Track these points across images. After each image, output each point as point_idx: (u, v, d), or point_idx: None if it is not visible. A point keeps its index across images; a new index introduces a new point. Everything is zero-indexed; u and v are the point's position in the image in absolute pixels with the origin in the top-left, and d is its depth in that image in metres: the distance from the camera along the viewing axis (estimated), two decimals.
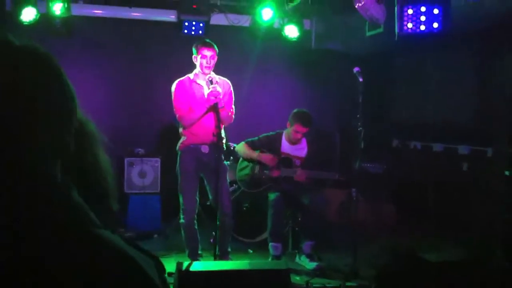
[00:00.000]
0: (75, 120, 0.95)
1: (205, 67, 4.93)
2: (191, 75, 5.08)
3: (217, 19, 7.01)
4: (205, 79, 5.00)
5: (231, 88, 5.18)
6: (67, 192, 0.91)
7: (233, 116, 5.15)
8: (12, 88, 0.85)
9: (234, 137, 6.18)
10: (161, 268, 0.96)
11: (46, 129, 0.88)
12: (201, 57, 4.91)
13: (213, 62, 4.95)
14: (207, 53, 4.91)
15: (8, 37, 0.91)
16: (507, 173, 5.42)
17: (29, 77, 0.88)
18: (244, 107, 6.12)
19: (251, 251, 5.94)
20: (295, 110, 5.76)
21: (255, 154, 5.80)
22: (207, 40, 5.04)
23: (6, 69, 0.87)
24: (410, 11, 4.80)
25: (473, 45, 6.33)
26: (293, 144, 5.82)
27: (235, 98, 5.26)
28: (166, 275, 0.98)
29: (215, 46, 4.96)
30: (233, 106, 5.17)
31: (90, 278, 0.83)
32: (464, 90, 6.63)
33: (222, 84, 5.05)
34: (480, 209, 5.85)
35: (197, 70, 5.03)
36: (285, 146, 5.85)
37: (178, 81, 5.07)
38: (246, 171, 5.92)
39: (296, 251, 5.79)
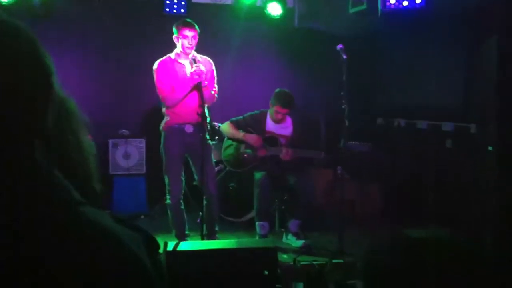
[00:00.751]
0: (53, 96, 0.91)
1: (187, 47, 4.88)
2: (172, 55, 5.03)
3: None
4: (186, 59, 4.96)
5: (213, 67, 5.15)
6: (48, 171, 0.88)
7: (216, 95, 5.12)
8: None
9: (218, 117, 6.16)
10: (153, 246, 0.94)
11: (23, 109, 0.85)
12: (182, 38, 4.87)
13: (194, 42, 4.90)
14: (189, 33, 4.86)
15: None
16: (490, 148, 5.46)
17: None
18: (227, 86, 6.07)
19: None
20: (276, 90, 5.74)
21: (240, 134, 5.79)
22: (188, 20, 4.98)
23: None
24: None
25: (457, 25, 6.33)
26: (278, 123, 5.82)
27: (218, 77, 5.22)
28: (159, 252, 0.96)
29: (196, 26, 4.91)
30: (215, 85, 5.14)
31: (76, 259, 0.81)
32: (449, 68, 6.64)
33: (204, 63, 5.01)
34: (466, 186, 5.90)
35: (178, 49, 4.98)
36: (270, 125, 5.83)
37: (160, 61, 5.02)
38: (231, 150, 5.91)
39: (283, 230, 5.82)
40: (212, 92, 5.06)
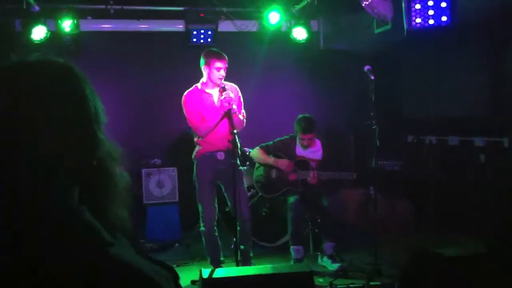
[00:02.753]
0: (95, 132, 0.96)
1: (219, 78, 4.94)
2: (198, 85, 5.09)
3: (225, 26, 7.03)
4: (213, 87, 5.02)
5: (240, 93, 5.20)
6: (81, 213, 0.91)
7: (245, 120, 5.17)
8: (28, 97, 0.88)
9: (246, 142, 6.19)
10: (178, 280, 0.97)
11: (61, 148, 0.89)
12: (215, 69, 4.92)
13: (224, 72, 4.97)
14: (220, 65, 4.92)
15: (25, 58, 0.94)
16: None
17: (43, 88, 0.90)
18: (255, 112, 6.11)
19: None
20: (298, 117, 5.77)
21: (270, 160, 5.82)
22: (218, 51, 5.03)
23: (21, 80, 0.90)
24: (417, 6, 4.79)
25: (482, 36, 6.29)
26: (306, 149, 5.83)
27: (245, 103, 5.28)
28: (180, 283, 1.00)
29: (225, 56, 4.98)
30: (243, 110, 5.20)
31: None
32: (476, 82, 6.58)
33: (231, 89, 5.06)
34: (499, 200, 5.80)
35: (205, 79, 5.05)
36: (300, 149, 5.85)
37: (187, 93, 5.09)
38: (260, 171, 5.94)
39: (318, 253, 5.78)
40: (241, 117, 5.10)
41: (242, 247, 4.98)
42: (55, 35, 6.20)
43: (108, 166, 1.00)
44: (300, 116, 5.78)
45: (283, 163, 5.76)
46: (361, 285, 4.67)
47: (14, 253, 0.81)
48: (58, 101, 0.91)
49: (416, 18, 4.81)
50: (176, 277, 0.97)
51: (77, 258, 0.85)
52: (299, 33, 6.82)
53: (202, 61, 5.01)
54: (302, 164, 5.80)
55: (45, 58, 0.96)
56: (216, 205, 5.16)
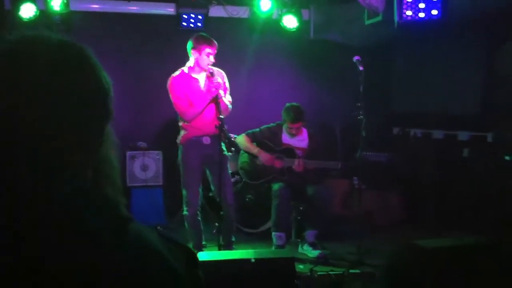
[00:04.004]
0: (108, 114, 0.96)
1: (208, 64, 4.92)
2: (185, 69, 5.05)
3: (216, 11, 7.00)
4: (200, 72, 5.00)
5: (225, 78, 5.18)
6: (101, 189, 0.92)
7: (230, 105, 5.16)
8: (44, 85, 0.86)
9: (234, 129, 6.19)
10: (194, 261, 0.99)
11: (74, 125, 0.88)
12: (204, 55, 4.89)
13: (214, 58, 4.95)
14: (210, 50, 4.89)
15: (40, 33, 0.92)
16: (507, 157, 5.44)
17: (59, 74, 0.88)
18: (243, 98, 6.12)
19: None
20: (286, 105, 5.78)
21: (255, 150, 5.83)
22: (208, 36, 4.99)
23: (35, 66, 0.87)
24: None
25: (473, 32, 6.33)
26: (293, 137, 5.85)
27: (234, 89, 5.27)
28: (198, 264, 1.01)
29: (215, 42, 4.96)
30: (229, 95, 5.19)
31: (122, 273, 0.85)
32: (464, 77, 6.63)
33: (218, 75, 5.04)
34: (483, 195, 5.87)
35: (192, 63, 5.01)
36: (286, 138, 5.87)
37: (173, 77, 5.03)
38: (244, 158, 5.96)
39: (299, 240, 5.82)
40: (227, 102, 5.09)
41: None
42: (44, 14, 6.13)
43: (110, 153, 1.01)
44: (288, 104, 5.79)
45: (264, 155, 5.78)
46: (342, 272, 4.71)
47: (15, 253, 0.81)
48: (67, 93, 0.89)
49: (407, 10, 4.83)
50: (191, 257, 0.99)
51: (100, 241, 0.85)
52: (290, 21, 6.80)
53: (190, 45, 4.96)
54: (288, 152, 5.82)
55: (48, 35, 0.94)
56: (201, 190, 5.17)
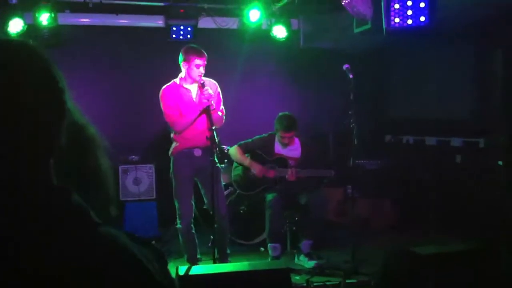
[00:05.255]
0: (66, 114, 0.94)
1: (198, 75, 4.91)
2: (177, 80, 5.05)
3: (205, 22, 7.00)
4: (192, 83, 5.00)
5: (219, 89, 5.18)
6: (65, 194, 0.90)
7: (224, 116, 5.15)
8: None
9: (226, 140, 6.17)
10: (163, 260, 0.97)
11: (34, 127, 0.87)
12: (194, 66, 4.89)
13: (203, 69, 4.94)
14: (200, 62, 4.89)
15: None
16: (500, 163, 5.44)
17: (14, 74, 0.87)
18: (235, 109, 6.08)
19: (262, 249, 5.91)
20: (279, 115, 5.79)
21: (247, 161, 5.81)
22: (198, 47, 4.99)
23: None
24: (396, 6, 4.81)
25: (463, 38, 6.36)
26: (286, 147, 5.84)
27: (226, 100, 5.26)
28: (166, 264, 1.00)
29: (205, 53, 4.95)
30: (222, 107, 5.18)
31: (91, 276, 0.83)
32: (455, 83, 6.65)
33: (211, 86, 5.04)
34: (474, 200, 5.87)
35: (183, 74, 5.01)
36: (279, 148, 5.86)
37: (165, 88, 5.04)
38: (238, 170, 5.93)
39: (295, 251, 5.79)
40: (220, 113, 5.08)
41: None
42: (32, 28, 6.11)
43: (85, 142, 1.00)
44: (281, 114, 5.79)
45: (256, 166, 5.76)
46: (338, 282, 4.68)
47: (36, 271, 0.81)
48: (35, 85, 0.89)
49: (395, 18, 4.83)
50: (160, 256, 0.97)
51: (65, 242, 0.84)
52: (279, 31, 6.82)
53: (181, 57, 4.97)
54: (281, 162, 5.80)
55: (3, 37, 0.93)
56: (194, 202, 5.13)
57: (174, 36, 6.72)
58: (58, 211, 0.87)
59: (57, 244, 0.83)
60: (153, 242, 6.40)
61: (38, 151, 0.89)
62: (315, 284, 4.67)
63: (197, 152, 5.04)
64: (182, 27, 6.71)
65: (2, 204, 0.84)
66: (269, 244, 5.57)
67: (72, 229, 0.86)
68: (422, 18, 4.78)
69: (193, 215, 5.14)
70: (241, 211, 6.20)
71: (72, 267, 0.82)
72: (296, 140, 5.91)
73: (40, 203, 0.86)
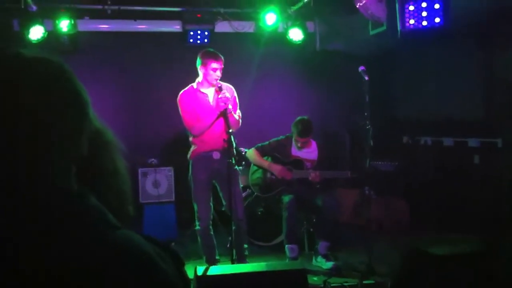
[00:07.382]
0: (88, 125, 0.98)
1: (215, 79, 4.98)
2: (194, 85, 5.13)
3: (222, 26, 7.07)
4: (209, 87, 5.07)
5: (235, 94, 5.24)
6: (83, 197, 0.93)
7: (240, 120, 5.21)
8: (23, 100, 0.88)
9: (243, 142, 6.23)
10: (179, 261, 1.01)
11: (59, 137, 0.91)
12: (211, 70, 4.97)
13: (220, 73, 5.01)
14: (216, 65, 4.96)
15: (19, 51, 0.94)
16: None
17: (39, 87, 0.90)
18: (252, 112, 6.16)
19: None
20: (296, 119, 5.82)
21: (265, 163, 5.88)
22: (214, 51, 5.07)
23: (16, 81, 0.89)
24: (411, 8, 4.84)
25: (477, 38, 6.34)
26: (301, 149, 5.88)
27: (242, 103, 5.32)
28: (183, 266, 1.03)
29: (222, 56, 5.02)
30: (238, 110, 5.23)
31: (104, 278, 0.85)
32: (470, 83, 6.63)
33: (227, 90, 5.10)
34: (493, 200, 5.84)
35: (200, 78, 5.09)
36: (295, 150, 5.90)
37: (182, 93, 5.13)
38: (258, 174, 5.98)
39: (312, 252, 5.82)
40: (236, 117, 5.14)
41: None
42: (52, 35, 6.24)
43: (102, 146, 1.03)
44: (299, 118, 5.83)
45: (276, 168, 5.82)
46: (355, 283, 4.70)
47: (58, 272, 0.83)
48: (59, 99, 0.92)
49: (409, 19, 4.85)
50: (176, 257, 1.00)
51: (66, 243, 0.86)
52: (295, 34, 6.86)
53: (198, 61, 5.05)
54: (297, 163, 5.84)
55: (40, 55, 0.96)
56: (212, 205, 5.19)
57: (191, 40, 6.82)
58: (58, 211, 0.89)
59: (57, 244, 0.85)
60: (172, 243, 6.48)
61: (59, 157, 0.92)
62: (332, 285, 4.70)
63: (216, 155, 5.11)
64: (199, 32, 6.80)
65: (1, 205, 0.86)
66: (286, 246, 5.61)
67: (74, 230, 0.88)
68: (437, 20, 4.80)
69: (211, 217, 5.20)
70: (259, 212, 6.25)
71: (72, 267, 0.84)
72: (313, 143, 5.94)
73: (39, 204, 0.88)
